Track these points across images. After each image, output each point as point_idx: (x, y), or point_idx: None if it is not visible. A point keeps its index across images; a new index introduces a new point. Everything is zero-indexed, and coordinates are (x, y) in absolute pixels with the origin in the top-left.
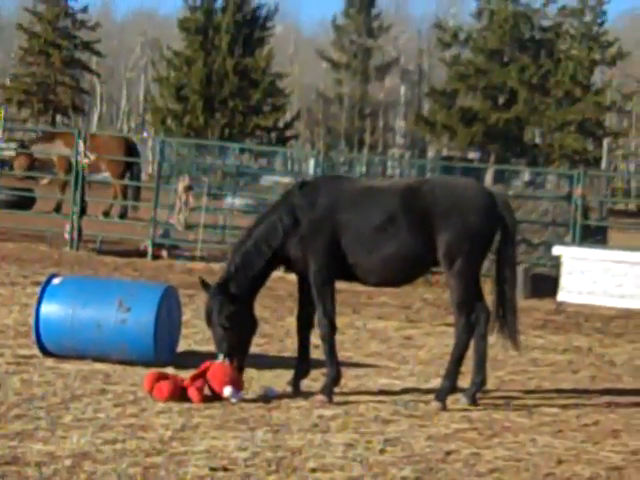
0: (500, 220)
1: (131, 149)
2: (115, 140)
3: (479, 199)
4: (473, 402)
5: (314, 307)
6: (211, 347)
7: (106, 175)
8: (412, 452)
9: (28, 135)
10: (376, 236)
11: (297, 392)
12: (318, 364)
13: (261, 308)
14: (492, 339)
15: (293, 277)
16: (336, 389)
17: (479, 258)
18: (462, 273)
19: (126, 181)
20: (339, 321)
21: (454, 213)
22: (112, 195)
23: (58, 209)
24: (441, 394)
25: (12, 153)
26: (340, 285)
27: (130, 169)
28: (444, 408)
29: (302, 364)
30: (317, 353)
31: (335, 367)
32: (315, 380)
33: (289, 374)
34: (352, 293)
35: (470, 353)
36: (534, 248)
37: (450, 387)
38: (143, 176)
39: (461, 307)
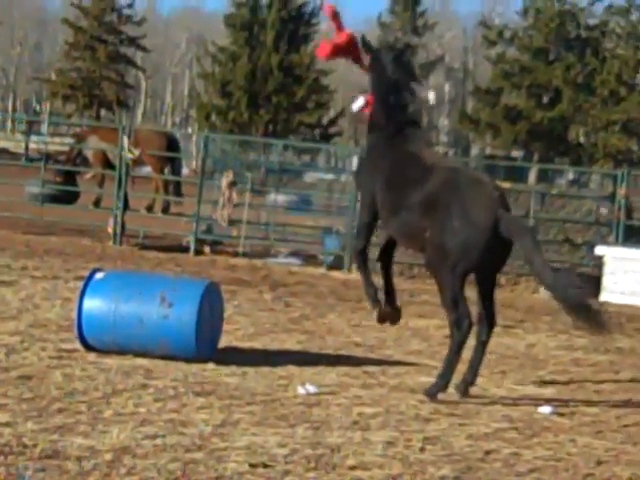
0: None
1: (172, 144)
2: (156, 134)
3: (478, 199)
4: (464, 395)
5: None
6: (253, 343)
7: (148, 169)
8: (452, 451)
9: (72, 129)
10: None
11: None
12: (359, 362)
13: (302, 304)
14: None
15: (336, 274)
16: (377, 387)
17: (462, 260)
18: (444, 274)
19: (167, 176)
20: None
21: (448, 208)
22: (153, 190)
23: (97, 203)
24: (431, 388)
25: (59, 147)
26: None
27: (171, 164)
28: (431, 398)
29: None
30: (358, 351)
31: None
32: (356, 378)
33: (330, 371)
34: None
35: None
36: (577, 248)
37: (442, 384)
38: (187, 171)
39: (446, 304)
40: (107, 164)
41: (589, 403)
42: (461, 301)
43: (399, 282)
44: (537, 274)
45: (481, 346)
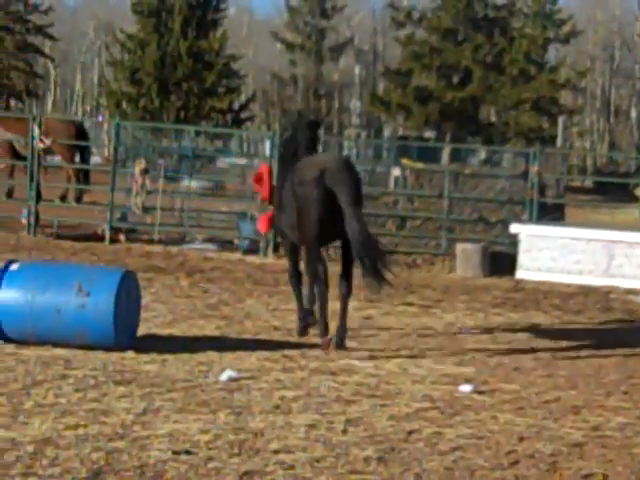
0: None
1: (80, 132)
2: (64, 123)
3: (308, 173)
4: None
5: None
6: (172, 330)
7: (58, 159)
8: (374, 432)
9: None
10: None
11: None
12: (278, 346)
13: (220, 290)
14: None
15: (252, 259)
16: (298, 371)
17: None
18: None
19: (77, 164)
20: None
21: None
22: (65, 179)
23: (10, 194)
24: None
25: None
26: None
27: (80, 152)
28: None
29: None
30: (277, 335)
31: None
32: (276, 362)
33: (250, 356)
34: None
35: None
36: (491, 226)
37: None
38: (100, 159)
39: (306, 268)
40: (15, 155)
41: (509, 380)
42: (317, 258)
43: None
44: (347, 224)
45: (343, 298)
